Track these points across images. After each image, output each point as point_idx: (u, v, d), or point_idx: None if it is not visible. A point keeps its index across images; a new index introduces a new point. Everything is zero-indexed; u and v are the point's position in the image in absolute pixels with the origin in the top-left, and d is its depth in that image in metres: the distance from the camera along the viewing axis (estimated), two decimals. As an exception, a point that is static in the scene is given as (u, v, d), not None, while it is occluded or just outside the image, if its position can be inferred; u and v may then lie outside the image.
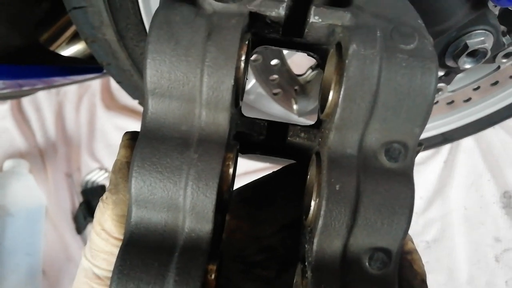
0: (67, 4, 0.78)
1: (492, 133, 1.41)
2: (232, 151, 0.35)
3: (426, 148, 1.32)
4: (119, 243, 0.39)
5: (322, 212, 0.32)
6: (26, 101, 1.83)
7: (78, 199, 1.68)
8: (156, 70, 0.32)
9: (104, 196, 0.40)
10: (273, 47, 0.43)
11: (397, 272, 0.33)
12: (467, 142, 1.41)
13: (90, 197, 1.65)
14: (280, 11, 0.35)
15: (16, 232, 1.52)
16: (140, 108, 1.71)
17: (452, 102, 1.10)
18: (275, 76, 0.93)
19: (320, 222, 0.32)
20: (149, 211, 0.34)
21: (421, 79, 0.32)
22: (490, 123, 1.20)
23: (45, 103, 1.81)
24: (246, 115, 0.43)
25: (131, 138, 0.42)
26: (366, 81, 0.32)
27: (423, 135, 1.37)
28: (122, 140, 0.42)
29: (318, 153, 0.37)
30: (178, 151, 0.33)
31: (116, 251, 0.39)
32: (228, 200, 0.36)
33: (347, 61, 0.32)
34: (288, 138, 0.42)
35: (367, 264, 0.33)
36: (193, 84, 0.33)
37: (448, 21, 0.68)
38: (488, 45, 0.73)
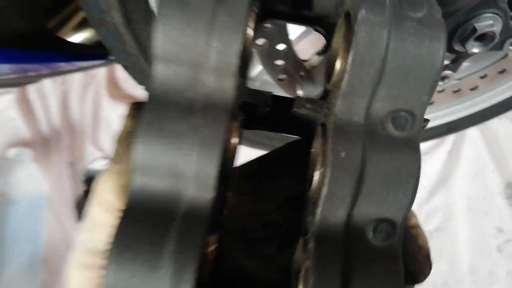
0: (75, -14, 0.78)
1: (497, 124, 1.41)
2: (237, 121, 0.35)
3: (430, 138, 1.32)
4: (120, 215, 0.39)
5: (326, 180, 0.32)
6: (31, 90, 1.84)
7: (81, 188, 1.68)
8: (165, 35, 0.32)
9: (107, 165, 0.39)
10: (281, 21, 0.42)
11: (401, 244, 0.33)
12: (472, 133, 1.41)
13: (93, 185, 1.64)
14: None
15: (18, 220, 1.52)
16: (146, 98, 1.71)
17: (459, 90, 1.09)
18: (281, 62, 0.93)
19: (324, 190, 0.32)
20: (151, 178, 0.33)
21: (429, 46, 0.32)
22: (496, 112, 1.20)
23: (50, 92, 1.81)
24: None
25: (138, 108, 0.41)
26: (374, 47, 0.31)
27: (428, 125, 1.35)
28: (128, 110, 0.42)
29: (324, 124, 0.36)
30: (183, 117, 0.33)
31: (116, 223, 0.39)
32: (231, 171, 0.36)
33: (355, 27, 0.31)
34: (293, 109, 0.41)
35: (371, 235, 0.32)
36: (201, 48, 0.32)
37: (456, 3, 0.68)
38: (497, 29, 0.73)
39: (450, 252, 1.36)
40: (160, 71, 0.33)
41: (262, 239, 0.45)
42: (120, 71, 1.79)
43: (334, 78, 0.34)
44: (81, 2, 0.80)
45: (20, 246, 1.50)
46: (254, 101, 0.41)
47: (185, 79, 0.33)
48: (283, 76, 0.95)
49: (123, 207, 0.38)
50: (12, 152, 1.65)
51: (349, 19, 0.34)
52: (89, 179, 1.66)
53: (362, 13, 0.31)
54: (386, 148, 0.32)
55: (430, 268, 0.37)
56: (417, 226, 0.37)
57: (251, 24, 0.34)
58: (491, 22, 0.72)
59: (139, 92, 1.73)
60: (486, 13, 0.71)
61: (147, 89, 0.35)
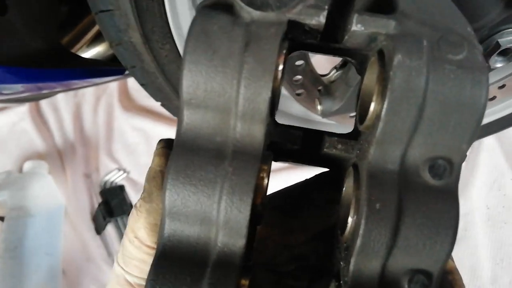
0: (94, 7, 0.78)
1: (514, 131, 1.40)
2: (267, 163, 0.34)
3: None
4: (151, 251, 0.39)
5: (361, 232, 0.31)
6: (44, 102, 1.85)
7: (97, 200, 1.69)
8: (192, 81, 0.32)
9: (138, 203, 0.40)
10: (309, 52, 0.42)
11: None
12: (489, 141, 1.40)
13: (109, 197, 1.66)
14: (320, 19, 0.33)
15: (36, 232, 1.54)
16: (158, 109, 1.71)
17: (476, 100, 1.08)
18: (299, 77, 0.93)
19: (358, 242, 0.31)
20: (182, 223, 0.33)
21: (471, 91, 0.30)
22: (514, 121, 1.18)
23: (63, 104, 1.83)
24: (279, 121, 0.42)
25: (165, 146, 0.41)
26: (411, 94, 0.30)
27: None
28: (156, 148, 0.42)
29: (356, 166, 0.35)
30: (212, 164, 0.32)
31: (148, 258, 0.39)
32: (262, 211, 0.35)
33: (391, 73, 0.30)
34: (324, 149, 0.40)
35: (406, 286, 0.31)
36: (229, 95, 0.32)
37: (481, 20, 0.67)
38: (520, 43, 0.72)
39: (470, 262, 1.34)
40: (188, 115, 0.33)
41: (291, 273, 0.45)
42: (131, 83, 1.80)
43: (368, 122, 0.33)
44: (98, 22, 0.81)
45: (39, 258, 1.52)
46: (283, 140, 0.41)
47: (213, 124, 0.33)
48: (301, 91, 0.95)
49: (153, 244, 0.39)
50: (28, 165, 1.67)
51: (382, 58, 0.32)
52: (105, 191, 1.68)
53: (398, 58, 0.30)
54: (422, 198, 0.31)
55: None
56: (454, 271, 0.36)
57: (280, 67, 0.33)
58: (514, 37, 0.72)
59: (151, 103, 1.73)
60: (509, 28, 0.71)
61: (175, 134, 0.34)
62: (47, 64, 1.06)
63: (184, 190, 0.32)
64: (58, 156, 1.77)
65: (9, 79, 0.94)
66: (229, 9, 0.32)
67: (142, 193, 0.39)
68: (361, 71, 0.41)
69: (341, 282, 0.33)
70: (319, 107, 0.93)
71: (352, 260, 0.31)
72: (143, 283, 0.40)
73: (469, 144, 0.32)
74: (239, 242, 0.33)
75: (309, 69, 0.91)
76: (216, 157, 0.33)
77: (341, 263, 0.35)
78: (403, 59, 0.30)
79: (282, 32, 0.32)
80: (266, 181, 0.34)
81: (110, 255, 1.62)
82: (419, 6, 0.34)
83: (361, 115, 0.36)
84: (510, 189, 1.37)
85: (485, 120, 1.19)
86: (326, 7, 0.33)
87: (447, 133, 0.31)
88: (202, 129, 0.33)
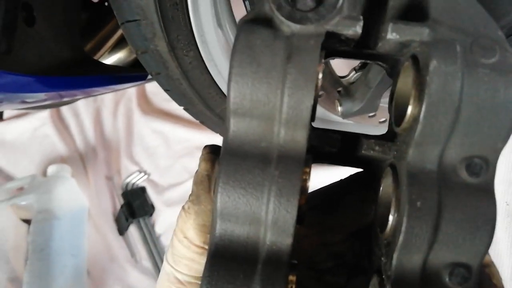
0: (120, 17, 0.81)
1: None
2: (308, 165, 0.36)
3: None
4: (200, 250, 0.42)
5: (403, 229, 0.32)
6: (65, 108, 1.90)
7: (119, 201, 1.73)
8: (239, 92, 0.34)
9: (186, 205, 0.42)
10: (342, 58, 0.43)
11: (477, 286, 0.33)
12: (507, 137, 1.40)
13: (131, 199, 1.69)
14: (357, 29, 0.35)
15: (62, 234, 1.58)
16: (176, 112, 1.74)
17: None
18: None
19: (401, 239, 0.33)
20: (232, 224, 0.35)
21: (504, 93, 0.32)
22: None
23: (83, 109, 1.87)
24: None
25: (211, 151, 0.44)
26: (448, 97, 0.32)
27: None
28: (202, 154, 0.44)
29: (393, 166, 0.37)
30: (259, 168, 0.34)
31: (197, 257, 0.42)
32: (305, 212, 0.37)
33: (428, 78, 0.32)
34: (362, 151, 0.42)
35: (447, 279, 0.33)
36: (273, 104, 0.34)
37: (501, 21, 0.68)
38: (538, 42, 0.73)
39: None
40: (235, 124, 0.35)
41: (330, 269, 0.47)
42: (150, 87, 1.83)
43: (405, 124, 0.34)
44: (124, 31, 0.83)
45: (65, 260, 1.56)
46: (321, 143, 0.43)
47: (259, 131, 0.35)
48: (321, 93, 0.97)
49: (202, 244, 0.42)
50: (52, 169, 1.71)
51: (417, 63, 0.34)
52: (127, 193, 1.72)
53: (434, 64, 0.32)
54: (461, 195, 0.33)
55: None
56: (491, 264, 0.38)
57: (320, 75, 0.35)
58: (532, 36, 0.73)
59: (169, 107, 1.77)
60: (528, 27, 0.72)
61: (223, 140, 0.37)
62: (72, 72, 1.10)
63: (235, 192, 0.34)
64: (80, 160, 1.82)
65: (37, 88, 0.97)
66: (269, 23, 0.34)
67: (190, 195, 0.42)
68: (392, 74, 0.43)
69: (384, 276, 0.35)
70: (339, 108, 0.95)
71: (395, 256, 0.33)
72: (193, 280, 0.42)
73: (504, 142, 0.33)
74: (286, 240, 0.35)
75: (328, 71, 0.93)
76: (263, 161, 0.35)
77: (382, 258, 0.36)
78: (438, 65, 0.32)
79: (320, 44, 0.33)
80: (308, 182, 0.36)
81: (133, 255, 1.65)
82: (451, 12, 0.35)
83: (397, 118, 0.38)
84: (529, 184, 1.38)
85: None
86: (361, 17, 0.34)
87: (483, 133, 0.33)
88: (248, 136, 0.35)
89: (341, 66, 1.02)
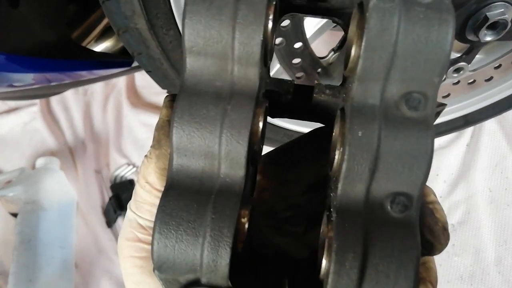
0: (100, -4, 0.82)
1: (515, 114, 1.41)
2: (262, 107, 0.38)
3: (448, 132, 1.33)
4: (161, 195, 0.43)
5: (345, 157, 0.34)
6: (54, 102, 1.90)
7: (108, 194, 1.73)
8: (193, 29, 0.35)
9: (148, 152, 0.43)
10: (299, 15, 0.45)
11: (418, 216, 0.35)
12: (490, 125, 1.41)
13: (119, 191, 1.70)
14: None
15: (49, 226, 1.58)
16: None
17: (474, 81, 1.11)
18: (298, 60, 0.96)
19: (344, 166, 0.34)
20: (188, 158, 0.36)
21: (438, 30, 0.33)
22: (513, 103, 1.20)
23: (72, 103, 1.88)
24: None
25: (172, 99, 0.45)
26: (386, 32, 0.33)
27: (445, 118, 1.35)
28: (164, 102, 0.45)
29: (343, 109, 0.38)
30: (213, 104, 0.36)
31: (158, 202, 0.43)
32: (259, 153, 0.39)
33: (367, 14, 0.33)
34: (314, 95, 0.43)
35: (389, 207, 0.34)
36: (226, 41, 0.35)
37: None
38: (508, 16, 0.75)
39: (474, 245, 1.36)
40: (190, 63, 0.37)
41: (289, 219, 0.48)
42: (139, 80, 1.84)
43: (350, 64, 0.36)
44: (105, 9, 0.85)
45: (53, 251, 1.55)
46: (277, 89, 0.44)
47: (213, 70, 0.37)
48: (300, 74, 0.98)
49: (163, 188, 0.42)
50: (41, 161, 1.71)
51: (362, 8, 0.36)
52: (115, 185, 1.72)
53: (373, 2, 0.33)
54: (400, 127, 0.34)
55: (447, 239, 0.38)
56: (435, 202, 0.39)
57: (271, 16, 0.36)
58: (502, 10, 0.74)
59: (158, 100, 1.78)
60: (497, 1, 0.73)
61: (179, 80, 0.38)
62: (57, 55, 1.11)
63: (189, 127, 0.36)
64: (69, 153, 1.82)
65: (20, 68, 0.98)
66: None
67: (152, 142, 0.43)
68: (347, 29, 0.44)
69: (332, 209, 0.36)
70: (318, 89, 0.96)
71: (339, 185, 0.35)
72: None
73: (440, 77, 0.35)
74: (239, 172, 0.36)
75: (308, 52, 0.95)
76: (217, 98, 0.36)
77: (331, 194, 0.38)
78: (377, 2, 0.33)
79: None
80: (261, 123, 0.37)
81: (121, 247, 1.65)
82: None
83: (346, 63, 0.40)
84: (512, 171, 1.39)
85: (484, 103, 1.21)
86: None
87: (420, 69, 0.34)
88: (203, 74, 0.37)
89: (321, 48, 1.03)
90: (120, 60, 1.19)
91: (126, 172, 1.74)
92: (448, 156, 1.42)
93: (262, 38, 0.35)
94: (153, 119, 1.76)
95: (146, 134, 1.77)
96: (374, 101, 0.35)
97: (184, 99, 0.36)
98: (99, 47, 1.34)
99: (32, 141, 1.88)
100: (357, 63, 0.35)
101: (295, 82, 0.45)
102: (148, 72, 1.00)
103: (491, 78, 1.10)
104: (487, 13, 0.74)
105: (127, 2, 0.81)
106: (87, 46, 1.30)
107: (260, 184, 0.49)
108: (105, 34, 1.33)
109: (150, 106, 1.80)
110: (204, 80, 0.37)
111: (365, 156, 0.34)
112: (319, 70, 0.98)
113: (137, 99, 1.83)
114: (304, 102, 0.44)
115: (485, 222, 1.37)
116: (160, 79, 1.01)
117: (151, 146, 0.43)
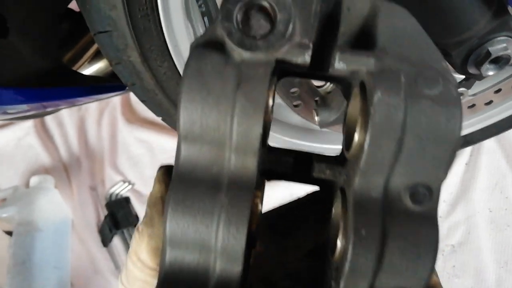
0: (92, 28, 0.80)
1: (514, 133, 1.40)
2: (260, 189, 0.37)
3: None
4: (154, 273, 0.42)
5: (348, 257, 0.33)
6: (49, 118, 1.88)
7: (103, 212, 1.71)
8: (189, 118, 0.34)
9: (140, 227, 0.42)
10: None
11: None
12: (489, 144, 1.40)
13: (115, 209, 1.68)
14: (305, 58, 0.35)
15: (44, 246, 1.56)
16: (160, 121, 1.73)
17: (473, 105, 1.09)
18: (295, 89, 0.94)
19: (347, 267, 0.33)
20: (182, 251, 0.35)
21: (446, 125, 0.32)
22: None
23: (67, 119, 1.86)
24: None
25: (165, 173, 0.43)
26: (391, 128, 0.32)
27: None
28: (157, 175, 0.44)
29: (343, 190, 0.37)
30: (209, 195, 0.34)
31: (150, 279, 0.42)
32: (256, 234, 0.37)
33: (371, 109, 0.32)
34: (314, 174, 0.42)
35: None
36: (223, 131, 0.34)
37: (470, 31, 0.68)
38: (511, 51, 0.73)
39: (475, 266, 1.35)
40: (186, 149, 0.35)
41: None
42: (134, 96, 1.82)
43: (353, 151, 0.35)
44: (97, 41, 0.83)
45: (48, 272, 1.54)
46: (275, 167, 0.42)
47: (209, 157, 0.35)
48: (298, 102, 0.97)
49: (155, 266, 0.41)
50: (35, 180, 1.69)
51: (364, 90, 0.34)
52: (111, 203, 1.70)
53: (378, 95, 0.32)
54: (404, 223, 0.33)
55: None
56: (437, 285, 0.39)
57: (270, 101, 0.35)
58: (504, 45, 0.72)
59: (153, 116, 1.75)
60: (499, 36, 0.72)
61: (174, 165, 0.36)
62: (51, 83, 1.09)
63: (184, 220, 0.34)
64: (63, 170, 1.80)
65: (16, 100, 0.96)
66: (221, 48, 0.34)
67: (144, 217, 0.41)
68: (346, 95, 0.43)
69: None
70: (316, 118, 0.94)
71: (342, 284, 0.33)
72: None
73: (446, 171, 0.33)
74: (236, 268, 0.35)
75: (305, 81, 0.93)
76: (213, 188, 0.35)
77: (333, 283, 0.36)
78: (382, 97, 0.32)
79: (270, 72, 0.33)
80: (260, 206, 0.37)
81: (117, 267, 1.63)
82: (398, 41, 0.35)
83: (347, 141, 0.38)
84: (511, 191, 1.38)
85: (484, 124, 1.20)
86: (311, 45, 0.35)
87: (426, 163, 0.33)
88: (199, 161, 0.35)
89: (319, 76, 1.01)
90: (115, 85, 1.17)
91: (122, 190, 1.72)
92: (447, 175, 1.40)
93: (261, 132, 0.34)
94: (149, 135, 1.74)
95: (141, 150, 1.75)
96: (377, 195, 0.34)
97: (179, 188, 0.35)
98: (92, 68, 1.32)
99: (26, 157, 1.86)
100: (359, 153, 0.34)
101: (294, 152, 0.44)
102: (142, 101, 0.98)
103: (491, 102, 1.09)
104: (489, 48, 0.73)
105: (120, 36, 0.79)
106: (80, 69, 1.28)
107: (258, 249, 0.48)
108: (97, 55, 1.31)
109: (145, 122, 1.78)
110: (200, 167, 0.35)
111: (369, 256, 0.33)
112: (317, 98, 0.96)
113: (132, 115, 1.81)
114: (303, 179, 0.43)
115: (485, 243, 1.35)
116: (155, 108, 1.00)
117: (143, 222, 0.41)
